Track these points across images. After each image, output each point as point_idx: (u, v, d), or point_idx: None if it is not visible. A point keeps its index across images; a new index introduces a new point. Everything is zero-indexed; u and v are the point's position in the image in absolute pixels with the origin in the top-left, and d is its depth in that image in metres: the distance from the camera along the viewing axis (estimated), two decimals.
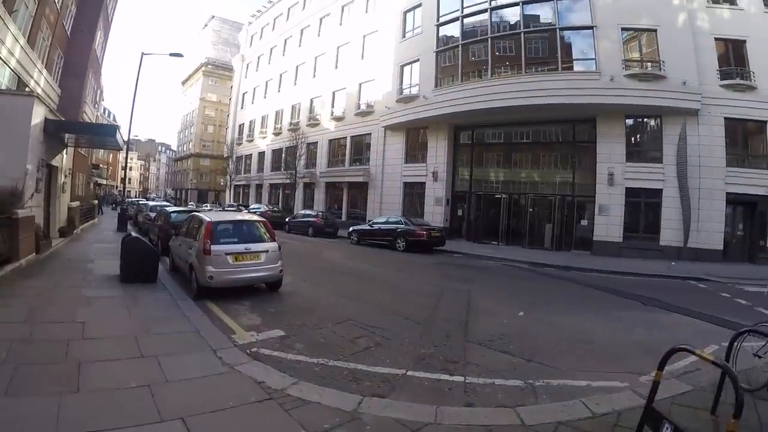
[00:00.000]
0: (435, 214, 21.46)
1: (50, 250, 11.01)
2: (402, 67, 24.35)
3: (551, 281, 11.33)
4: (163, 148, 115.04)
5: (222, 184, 52.50)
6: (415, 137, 24.33)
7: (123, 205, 21.09)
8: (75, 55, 21.00)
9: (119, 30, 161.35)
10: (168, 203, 31.36)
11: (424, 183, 22.92)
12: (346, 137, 28.63)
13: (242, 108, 46.59)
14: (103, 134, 12.66)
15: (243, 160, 43.98)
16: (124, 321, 5.64)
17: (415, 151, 24.19)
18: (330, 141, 30.23)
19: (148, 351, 4.43)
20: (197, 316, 6.00)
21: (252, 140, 42.38)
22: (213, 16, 77.37)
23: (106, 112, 59.95)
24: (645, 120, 17.68)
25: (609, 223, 17.15)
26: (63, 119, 13.95)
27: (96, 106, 31.18)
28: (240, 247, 7.29)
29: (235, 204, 34.07)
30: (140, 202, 31.13)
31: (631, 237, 17.00)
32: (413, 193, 24.05)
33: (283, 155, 34.06)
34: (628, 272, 12.56)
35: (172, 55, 20.13)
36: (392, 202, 24.46)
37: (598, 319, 7.12)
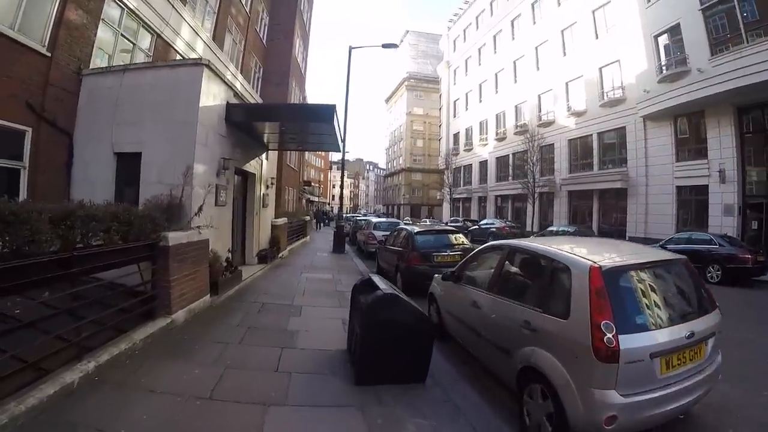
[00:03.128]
0: (724, 228, 17.92)
1: (236, 287, 8.69)
2: (656, 37, 21.64)
3: None
4: (371, 167, 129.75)
5: (438, 198, 55.55)
6: (687, 126, 21.25)
7: (340, 221, 19.52)
8: (274, 64, 22.69)
9: (316, 51, 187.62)
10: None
11: (706, 186, 19.64)
12: (590, 135, 27.02)
13: (455, 116, 48.96)
14: (315, 119, 9.33)
15: (461, 171, 46.14)
16: None
17: (689, 145, 21.09)
18: (570, 141, 29.01)
19: None
20: None
21: (471, 149, 44.10)
22: (407, 31, 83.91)
23: None
24: None
25: None
26: (254, 102, 12.67)
27: None
28: (677, 334, 3.36)
29: (461, 220, 35.27)
30: (358, 218, 30.58)
31: None
32: (690, 200, 20.94)
33: (511, 162, 33.93)
34: None
35: (385, 46, 19.13)
36: (661, 213, 21.91)
37: None
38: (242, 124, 9.47)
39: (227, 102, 8.80)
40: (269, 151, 13.32)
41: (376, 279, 4.99)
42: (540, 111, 32.25)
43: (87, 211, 4.45)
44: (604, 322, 3.16)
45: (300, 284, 9.88)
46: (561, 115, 29.70)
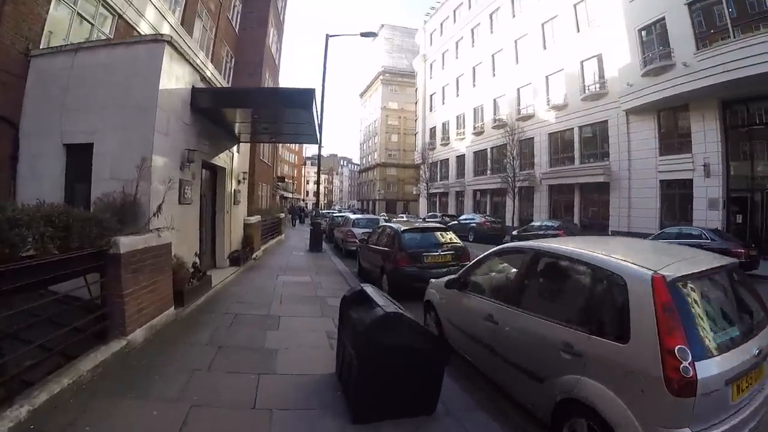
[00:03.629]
0: (708, 222, 17.90)
1: (206, 295, 7.72)
2: (640, 31, 21.50)
3: None
4: (345, 162, 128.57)
5: (414, 193, 55.22)
6: (670, 120, 21.15)
7: (316, 218, 18.79)
8: (246, 54, 21.78)
9: (290, 45, 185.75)
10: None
11: (691, 180, 19.56)
12: (572, 128, 26.82)
13: (432, 110, 48.55)
14: (292, 104, 8.25)
15: (438, 166, 45.67)
16: None
17: (672, 139, 20.98)
18: (550, 135, 28.77)
19: None
20: None
21: (447, 143, 43.75)
22: (383, 25, 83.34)
23: None
24: None
25: None
26: (224, 86, 11.97)
27: None
28: (748, 353, 2.84)
29: (439, 215, 34.76)
30: (335, 215, 29.73)
31: None
32: (674, 194, 20.87)
33: (489, 156, 33.61)
34: None
35: (363, 35, 18.64)
36: (645, 207, 21.83)
37: None
38: (210, 111, 8.54)
39: (193, 86, 7.84)
40: (240, 144, 12.38)
41: (370, 290, 4.15)
42: (519, 105, 31.96)
43: (7, 213, 3.46)
44: (678, 347, 2.55)
45: (276, 289, 9.04)
46: (541, 108, 29.44)
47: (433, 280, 6.11)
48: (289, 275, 10.92)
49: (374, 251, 10.19)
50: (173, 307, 6.20)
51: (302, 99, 8.34)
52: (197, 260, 8.09)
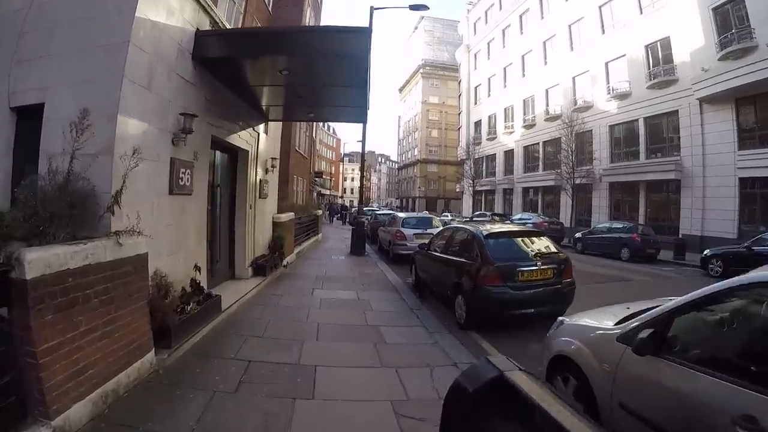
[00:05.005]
0: None
1: (209, 325, 5.74)
2: (714, 10, 19.60)
3: None
4: (382, 159, 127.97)
5: (457, 190, 53.89)
6: (750, 110, 19.16)
7: (360, 216, 16.99)
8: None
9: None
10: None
11: None
12: (636, 120, 24.90)
13: (476, 103, 47.18)
14: (337, 51, 6.08)
15: (484, 162, 44.07)
16: None
17: (753, 132, 19.02)
18: (611, 127, 26.88)
19: None
20: None
21: (494, 137, 42.19)
22: (422, 17, 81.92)
23: (325, 125, 69.09)
24: None
25: None
26: (240, 28, 10.31)
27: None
28: None
29: (488, 214, 33.38)
30: (378, 212, 27.30)
31: None
32: (755, 194, 18.94)
33: (541, 151, 32.06)
34: None
35: (412, 8, 16.64)
36: (721, 207, 19.84)
37: None
38: (223, 65, 6.48)
39: (197, 29, 5.98)
40: (270, 125, 10.63)
41: (525, 384, 1.72)
42: (575, 95, 30.20)
43: None
44: None
45: (312, 313, 6.98)
46: (600, 98, 27.58)
47: (566, 321, 3.97)
48: (329, 289, 9.16)
49: (441, 262, 8.05)
50: (153, 352, 4.34)
51: (352, 43, 5.96)
52: (198, 275, 6.15)
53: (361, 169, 18.18)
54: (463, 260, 7.08)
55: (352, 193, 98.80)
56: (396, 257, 14.08)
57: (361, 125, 16.21)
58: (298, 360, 4.89)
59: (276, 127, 11.63)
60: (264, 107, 9.37)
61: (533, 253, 6.84)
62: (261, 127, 9.88)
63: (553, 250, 7.13)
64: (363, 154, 17.55)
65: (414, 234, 13.66)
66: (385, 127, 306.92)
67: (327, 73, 7.22)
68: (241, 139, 8.56)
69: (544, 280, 6.42)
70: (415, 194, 75.68)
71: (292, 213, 13.53)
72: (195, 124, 5.75)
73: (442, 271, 7.88)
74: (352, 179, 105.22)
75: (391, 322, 6.68)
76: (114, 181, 4.10)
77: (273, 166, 11.11)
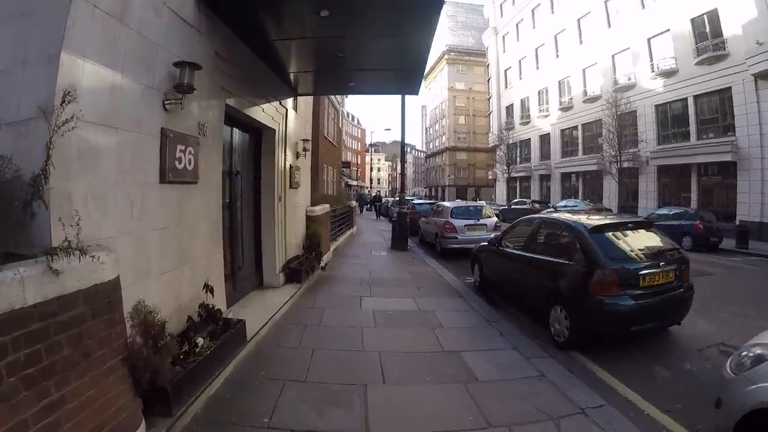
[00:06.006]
0: None
1: (233, 362, 4.38)
2: None
3: None
4: (409, 148, 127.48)
5: (489, 177, 53.17)
6: None
7: (403, 207, 15.98)
8: None
9: None
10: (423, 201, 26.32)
11: None
12: (684, 98, 23.77)
13: (507, 87, 46.29)
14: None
15: (518, 147, 43.16)
16: None
17: None
18: (657, 107, 25.80)
19: None
20: None
21: (528, 122, 41.35)
22: (444, 2, 80.00)
23: (349, 115, 68.98)
24: None
25: None
26: None
27: (341, 103, 32.56)
28: None
29: (528, 201, 32.73)
30: (416, 202, 24.94)
31: None
32: None
33: (581, 134, 31.12)
34: None
35: None
36: None
37: None
38: (237, 3, 4.71)
39: None
40: (300, 100, 8.97)
41: None
42: (615, 74, 29.06)
43: None
44: None
45: (367, 337, 5.49)
46: (644, 77, 26.49)
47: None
48: (379, 296, 7.75)
49: (522, 262, 6.71)
50: (143, 428, 2.98)
51: None
52: (211, 297, 4.54)
53: (402, 159, 17.80)
54: (561, 261, 5.79)
55: (378, 183, 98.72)
56: (445, 252, 13.18)
57: (390, 109, 16.12)
58: (364, 426, 3.37)
59: (306, 105, 10.19)
60: (292, 75, 7.66)
61: (650, 251, 5.58)
62: (289, 103, 8.32)
63: (666, 244, 5.90)
64: (403, 133, 16.46)
65: (465, 225, 12.94)
66: (409, 116, 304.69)
67: (388, 8, 5.29)
68: (265, 114, 7.02)
69: (667, 284, 5.26)
70: (445, 182, 74.77)
71: (327, 205, 12.14)
72: (202, 85, 4.25)
73: (526, 274, 6.60)
74: (378, 169, 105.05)
75: (472, 344, 5.36)
76: (57, 162, 2.50)
77: (306, 150, 9.54)
